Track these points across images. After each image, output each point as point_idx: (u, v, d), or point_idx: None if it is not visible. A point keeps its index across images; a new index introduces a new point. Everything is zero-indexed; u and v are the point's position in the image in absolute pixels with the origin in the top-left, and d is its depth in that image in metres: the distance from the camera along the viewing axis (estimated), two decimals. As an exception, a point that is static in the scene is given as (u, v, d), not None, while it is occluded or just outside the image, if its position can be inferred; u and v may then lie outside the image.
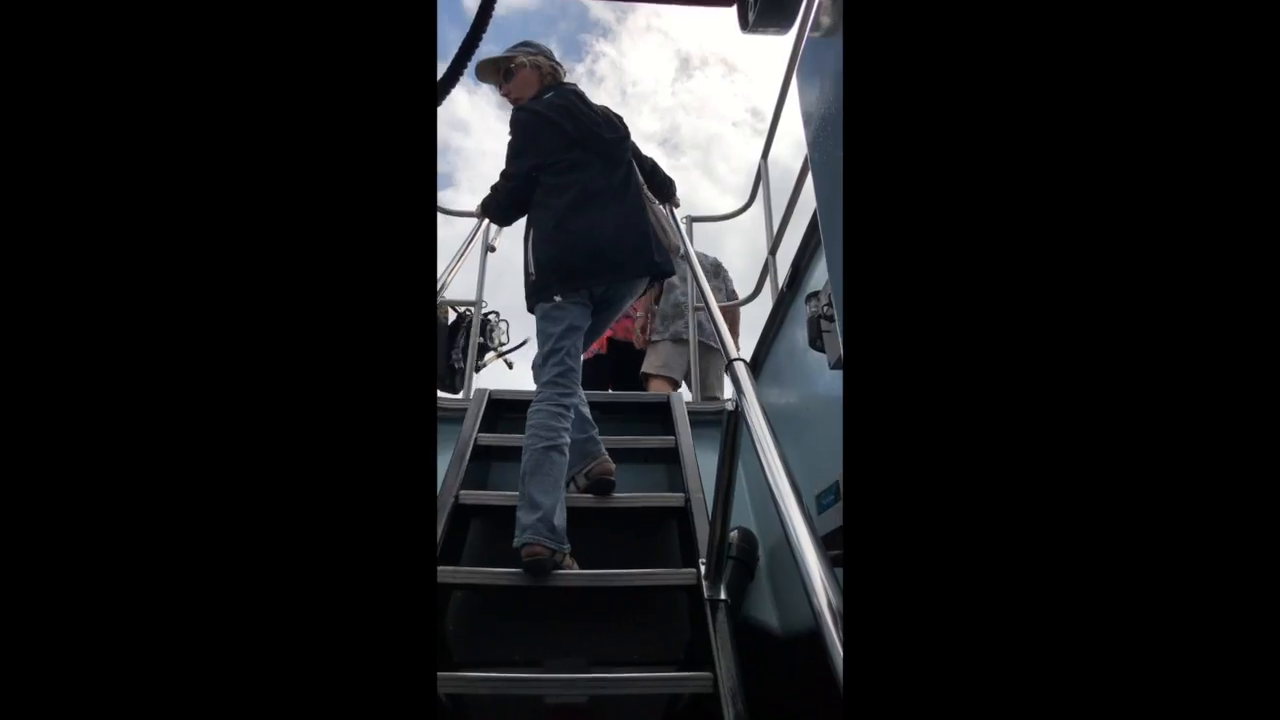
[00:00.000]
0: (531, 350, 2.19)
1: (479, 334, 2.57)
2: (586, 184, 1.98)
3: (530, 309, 2.00)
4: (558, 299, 1.90)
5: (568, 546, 1.73)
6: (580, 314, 1.93)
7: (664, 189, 2.33)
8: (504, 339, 2.53)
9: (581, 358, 1.98)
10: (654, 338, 3.36)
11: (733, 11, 1.37)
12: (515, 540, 1.68)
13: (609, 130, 2.08)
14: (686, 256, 2.37)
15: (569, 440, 1.83)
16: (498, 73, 2.18)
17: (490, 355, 2.46)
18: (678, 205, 2.43)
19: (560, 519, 1.71)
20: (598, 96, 2.39)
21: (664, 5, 1.46)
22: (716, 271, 3.59)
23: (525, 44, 2.21)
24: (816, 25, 0.96)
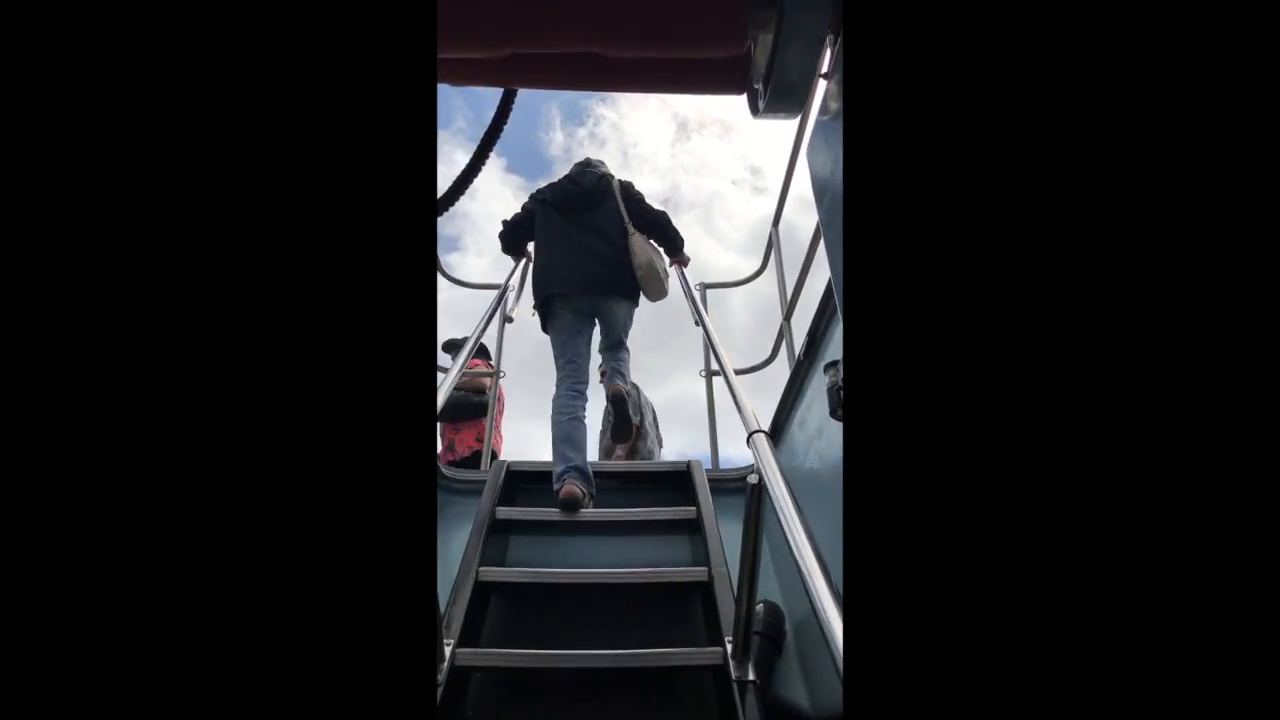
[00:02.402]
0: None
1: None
2: (553, 233, 2.68)
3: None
4: (534, 311, 2.64)
5: (593, 490, 2.27)
6: (572, 325, 2.57)
7: (669, 242, 2.81)
8: None
9: (588, 353, 2.61)
10: None
11: (742, 97, 1.43)
12: (554, 485, 2.21)
13: (575, 189, 2.70)
14: (701, 323, 2.52)
15: (585, 415, 2.45)
16: None
17: None
18: (685, 263, 2.81)
19: (588, 470, 2.30)
20: (600, 158, 2.81)
21: (674, 95, 1.53)
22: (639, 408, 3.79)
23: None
24: (825, 109, 1.00)
